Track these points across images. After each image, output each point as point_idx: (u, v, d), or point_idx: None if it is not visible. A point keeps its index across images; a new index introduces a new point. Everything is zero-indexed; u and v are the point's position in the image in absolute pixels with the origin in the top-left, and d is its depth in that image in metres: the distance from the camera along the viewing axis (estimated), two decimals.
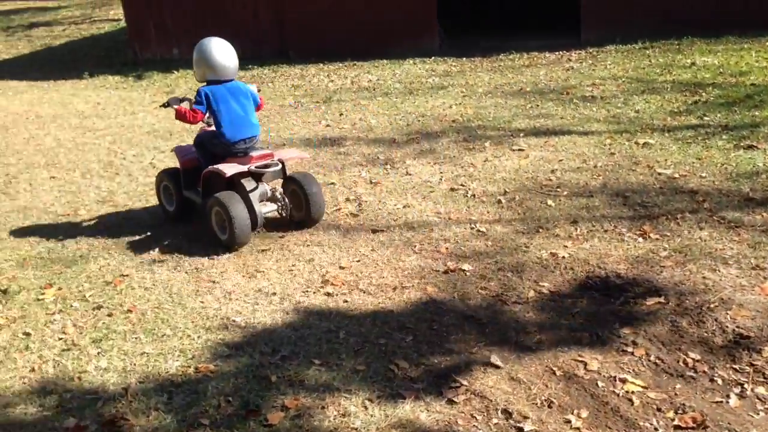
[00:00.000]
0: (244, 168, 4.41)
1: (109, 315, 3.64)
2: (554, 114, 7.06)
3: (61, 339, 3.42)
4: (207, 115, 4.54)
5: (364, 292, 3.72)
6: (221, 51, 4.55)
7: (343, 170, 5.85)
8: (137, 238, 4.70)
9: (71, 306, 3.76)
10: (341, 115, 7.77)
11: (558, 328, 3.24)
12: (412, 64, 10.32)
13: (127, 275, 4.11)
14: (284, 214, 4.62)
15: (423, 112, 7.57)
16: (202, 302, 3.72)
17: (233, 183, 4.49)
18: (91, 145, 7.24)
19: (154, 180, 5.12)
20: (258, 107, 4.72)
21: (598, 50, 9.98)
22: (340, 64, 10.60)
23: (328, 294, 3.73)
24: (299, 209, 4.65)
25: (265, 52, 11.56)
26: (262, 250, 4.33)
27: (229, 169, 4.37)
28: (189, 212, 4.94)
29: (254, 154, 4.48)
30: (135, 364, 3.15)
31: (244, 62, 11.11)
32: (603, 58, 9.55)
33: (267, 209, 4.63)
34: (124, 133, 7.68)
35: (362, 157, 6.19)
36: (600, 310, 3.36)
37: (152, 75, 11.04)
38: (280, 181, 4.79)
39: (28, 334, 3.49)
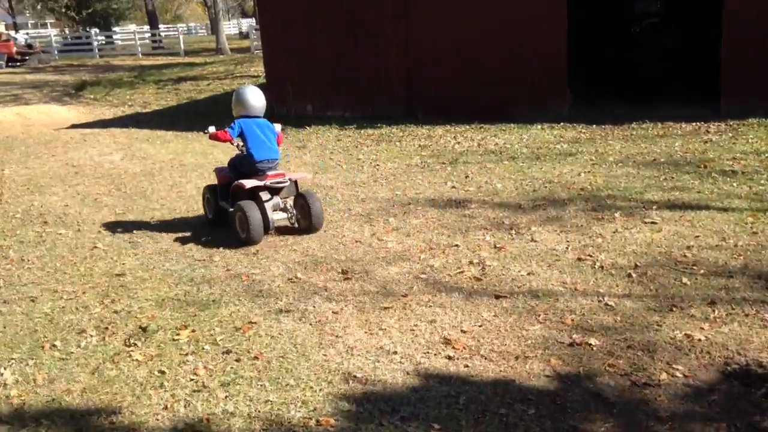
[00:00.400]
0: (261, 183, 5.84)
1: (237, 360, 3.78)
2: (690, 187, 6.80)
3: (192, 380, 3.58)
4: (238, 140, 5.97)
5: (485, 359, 3.68)
6: (253, 96, 6.08)
7: (467, 233, 5.86)
8: (266, 287, 4.87)
9: (203, 348, 3.93)
10: (467, 177, 7.82)
11: (692, 416, 3.06)
12: (539, 129, 10.28)
13: (255, 322, 4.26)
14: (293, 222, 6.06)
15: (550, 179, 7.49)
16: (324, 355, 3.79)
17: (253, 194, 5.90)
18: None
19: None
20: (278, 140, 6.14)
21: (739, 123, 9.58)
22: (467, 126, 10.72)
23: (449, 357, 3.71)
24: (305, 219, 6.03)
25: (394, 112, 11.87)
26: (385, 308, 4.37)
27: (249, 183, 5.81)
28: (223, 219, 6.23)
29: (270, 173, 5.94)
30: (260, 411, 3.23)
31: (373, 120, 11.54)
32: (744, 131, 9.15)
33: (278, 217, 6.01)
34: None
35: (487, 220, 6.18)
36: (739, 400, 3.15)
37: (286, 129, 11.51)
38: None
39: (163, 372, 3.67)
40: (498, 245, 5.48)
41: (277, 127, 6.20)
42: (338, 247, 5.68)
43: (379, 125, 11.22)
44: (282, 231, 6.13)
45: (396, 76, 11.92)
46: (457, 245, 5.55)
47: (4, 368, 3.81)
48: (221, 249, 5.77)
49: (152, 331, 4.19)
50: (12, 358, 3.93)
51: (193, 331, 4.17)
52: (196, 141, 11.21)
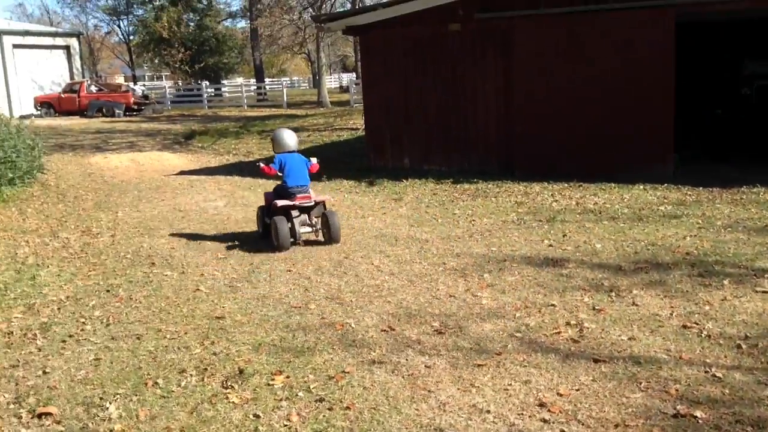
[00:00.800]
0: (291, 203, 7.54)
1: (330, 409, 3.80)
2: None
3: (285, 425, 3.62)
4: (279, 172, 7.71)
5: (582, 425, 3.55)
6: (288, 136, 7.97)
7: (564, 293, 5.73)
8: (360, 337, 4.90)
9: (297, 395, 3.97)
10: (564, 236, 7.68)
11: None
12: (642, 190, 10.02)
13: (348, 372, 4.28)
14: (318, 236, 7.79)
15: (653, 241, 7.25)
16: (416, 409, 3.76)
17: (286, 211, 7.53)
18: (324, 244, 7.76)
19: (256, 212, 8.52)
20: (311, 169, 7.90)
21: None
22: (565, 184, 10.57)
23: (545, 420, 3.61)
24: (327, 232, 7.68)
25: (491, 167, 11.87)
26: (478, 365, 4.31)
27: (281, 202, 7.52)
28: (268, 232, 7.66)
29: (300, 195, 7.63)
30: None
31: (470, 175, 11.57)
32: None
33: (304, 230, 7.69)
34: (353, 235, 8.16)
35: (585, 281, 6.03)
36: None
37: (383, 182, 11.72)
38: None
39: (257, 416, 3.73)
40: (597, 307, 5.33)
41: (314, 160, 8.04)
42: (432, 301, 5.67)
43: (475, 180, 11.23)
44: (375, 278, 6.19)
45: (494, 132, 11.95)
46: (553, 305, 5.43)
47: (110, 403, 3.97)
48: (317, 297, 5.86)
49: (249, 374, 4.28)
50: (117, 393, 4.10)
51: (288, 377, 4.23)
52: None
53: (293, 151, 7.87)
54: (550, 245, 7.32)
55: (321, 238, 7.79)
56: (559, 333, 4.84)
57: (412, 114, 12.67)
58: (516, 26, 11.48)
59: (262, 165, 8.07)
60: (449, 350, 4.59)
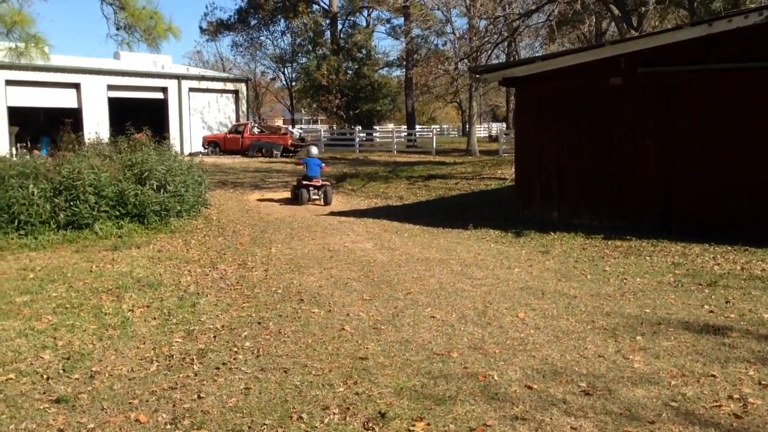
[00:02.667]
0: (307, 182, 16.15)
1: None
2: None
3: None
4: (303, 166, 16.73)
5: None
6: (312, 151, 17.17)
7: (726, 363, 5.33)
8: (502, 390, 4.79)
9: None
10: (727, 302, 7.17)
11: None
12: None
13: (489, 426, 4.19)
14: (320, 200, 16.11)
15: None
16: None
17: (306, 187, 16.13)
18: (469, 292, 7.72)
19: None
20: (322, 168, 16.72)
21: None
22: (729, 247, 9.90)
23: None
24: (325, 199, 16.05)
25: (645, 225, 11.36)
26: None
27: (303, 182, 16.21)
28: (296, 197, 16.11)
29: (314, 180, 16.15)
30: None
31: (622, 232, 11.11)
32: None
33: (315, 196, 16.23)
34: (498, 285, 8.06)
35: (750, 353, 5.58)
36: None
37: (530, 234, 11.52)
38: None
39: None
40: (763, 382, 4.91)
41: (323, 164, 16.76)
42: (579, 360, 5.46)
43: (628, 237, 10.77)
44: (520, 331, 6.05)
45: (651, 189, 11.46)
46: (713, 375, 5.06)
47: None
48: (460, 346, 5.81)
49: (390, 418, 4.30)
50: (264, 424, 4.24)
51: (428, 424, 4.21)
52: (442, 237, 11.58)
53: (313, 157, 16.83)
54: (711, 311, 6.86)
55: (321, 202, 16.25)
56: (719, 406, 4.50)
57: (563, 167, 12.43)
58: (681, 81, 11.05)
59: (299, 161, 17.79)
60: (597, 413, 4.39)
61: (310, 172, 16.17)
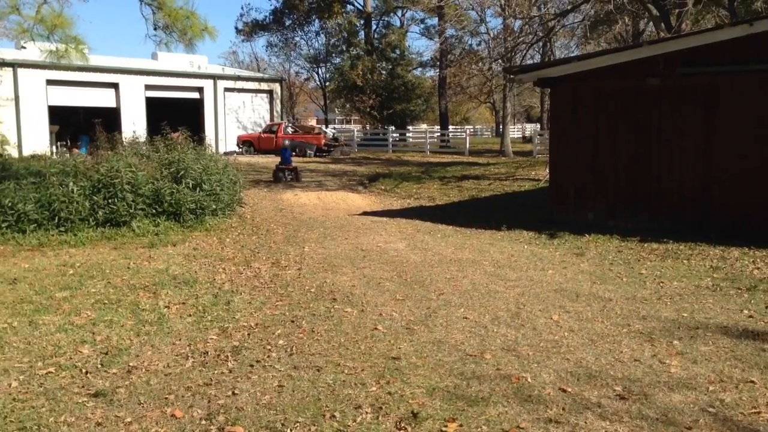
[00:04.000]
0: (282, 166, 21.96)
1: None
2: None
3: None
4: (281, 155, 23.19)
5: None
6: (287, 145, 25.51)
7: (765, 369, 5.23)
8: (536, 392, 4.76)
9: None
10: (767, 307, 7.03)
11: None
12: None
13: (522, 428, 4.17)
14: (291, 180, 21.38)
15: None
16: None
17: (282, 170, 21.74)
18: (502, 293, 7.68)
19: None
20: (293, 156, 24.00)
21: None
22: None
23: None
24: (297, 179, 21.64)
25: (683, 228, 11.19)
26: None
27: (280, 166, 22.02)
28: (276, 178, 21.32)
29: (287, 164, 22.09)
30: None
31: (658, 235, 10.95)
32: None
33: (288, 177, 21.53)
34: (532, 287, 8.00)
35: None
36: None
37: (564, 235, 11.42)
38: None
39: None
40: None
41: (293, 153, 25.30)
42: (614, 363, 5.40)
43: (665, 240, 10.61)
44: (553, 333, 6.00)
45: (690, 191, 11.28)
46: (752, 381, 4.97)
47: (291, 430, 4.15)
48: (493, 347, 5.79)
49: (422, 418, 4.29)
50: (297, 422, 4.27)
51: (461, 425, 4.20)
52: (475, 237, 11.53)
53: (287, 148, 23.92)
54: (750, 316, 6.73)
55: (293, 181, 21.01)
56: (758, 413, 4.42)
57: (599, 168, 12.30)
58: (721, 82, 10.86)
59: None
60: (632, 418, 4.34)
61: (283, 158, 22.44)
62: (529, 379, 5.03)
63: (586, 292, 7.74)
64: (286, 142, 26.68)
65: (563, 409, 4.49)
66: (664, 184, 11.56)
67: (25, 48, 25.85)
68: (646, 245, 10.45)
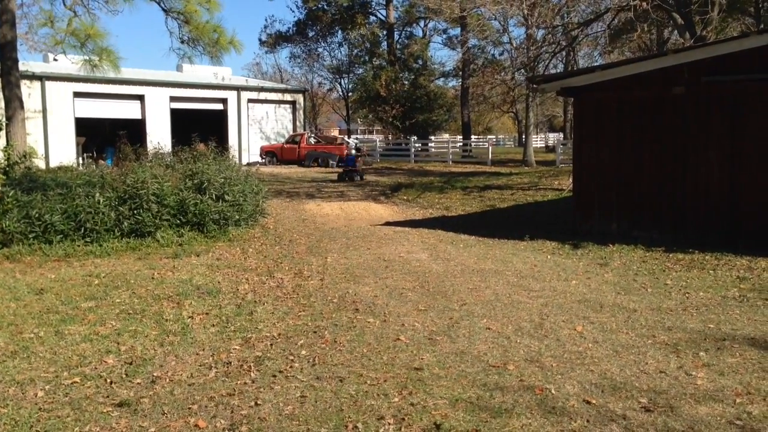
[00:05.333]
0: (349, 168, 25.74)
1: None
2: None
3: None
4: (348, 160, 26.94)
5: None
6: (351, 147, 28.70)
7: None
8: (560, 404, 4.72)
9: None
10: None
11: None
12: None
13: None
14: (359, 179, 25.47)
15: None
16: None
17: (349, 171, 25.84)
18: (525, 304, 7.63)
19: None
20: (357, 160, 26.54)
21: None
22: None
23: None
24: (361, 177, 25.81)
25: (709, 238, 11.04)
26: None
27: (345, 169, 26.34)
28: (350, 179, 25.00)
29: (354, 167, 25.60)
30: None
31: (684, 245, 10.82)
32: None
33: (356, 177, 25.19)
34: (555, 298, 7.94)
35: None
36: None
37: (588, 245, 11.33)
38: None
39: None
40: None
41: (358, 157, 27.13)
42: (639, 375, 5.34)
43: (690, 251, 10.49)
44: (577, 344, 5.95)
45: (716, 201, 11.14)
46: None
47: None
48: (516, 358, 5.75)
49: (445, 429, 4.28)
50: None
51: None
52: (497, 248, 11.49)
53: (351, 155, 26.52)
54: None
55: (360, 180, 24.91)
56: None
57: (624, 178, 12.20)
58: (747, 91, 10.73)
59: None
60: (658, 430, 4.29)
61: (348, 162, 26.43)
62: (553, 391, 4.99)
63: (611, 303, 7.67)
64: (353, 149, 28.07)
65: (587, 421, 4.44)
66: (689, 194, 11.43)
67: (56, 60, 26.32)
68: (671, 255, 10.34)
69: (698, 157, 11.31)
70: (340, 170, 27.09)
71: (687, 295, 8.04)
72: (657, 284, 8.62)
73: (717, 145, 11.11)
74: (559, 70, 34.06)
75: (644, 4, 19.48)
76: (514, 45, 35.97)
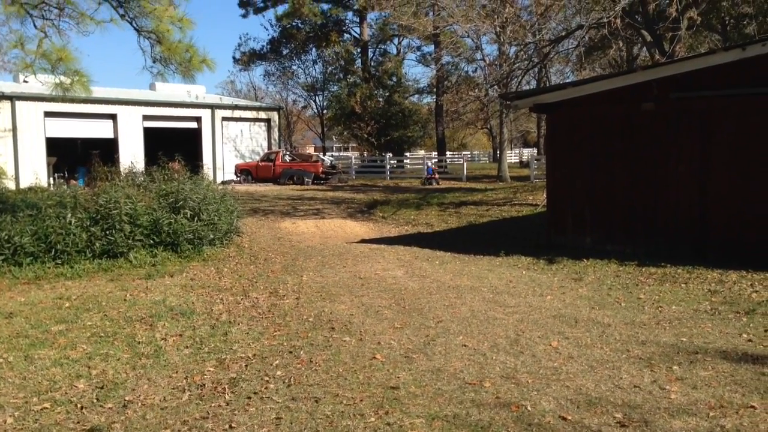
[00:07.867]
0: (429, 176, 28.31)
1: None
2: None
3: None
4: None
5: None
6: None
7: (766, 394, 5.20)
8: (536, 421, 4.72)
9: None
10: (766, 331, 7.00)
11: None
12: None
13: None
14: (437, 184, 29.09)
15: None
16: None
17: (429, 179, 28.79)
18: (501, 320, 7.65)
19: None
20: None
21: None
22: (767, 275, 9.69)
23: None
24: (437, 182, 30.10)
25: (680, 251, 11.17)
26: None
27: (426, 177, 28.38)
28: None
29: (432, 175, 26.78)
30: None
31: (656, 259, 10.94)
32: None
33: (435, 183, 27.74)
34: (531, 313, 7.97)
35: None
36: None
37: (562, 260, 11.41)
38: None
39: None
40: None
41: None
42: (614, 390, 5.36)
43: (662, 264, 10.60)
44: (552, 360, 5.97)
45: (686, 215, 11.29)
46: (753, 407, 4.94)
47: None
48: (492, 375, 5.75)
49: None
50: None
51: None
52: (473, 264, 11.52)
53: (431, 168, 31.37)
54: (750, 340, 6.70)
55: (437, 185, 29.12)
56: None
57: (596, 193, 12.33)
58: (715, 106, 10.92)
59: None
60: None
61: (428, 171, 31.13)
62: (529, 407, 5.00)
63: (585, 318, 7.71)
64: (429, 163, 32.74)
65: None
66: (661, 208, 11.58)
67: (27, 82, 26.00)
68: (644, 269, 10.44)
69: (668, 171, 11.46)
70: (315, 188, 27.32)
71: (660, 308, 8.11)
72: (630, 298, 8.69)
73: (687, 159, 11.28)
74: (531, 87, 34.41)
75: (617, 21, 19.78)
76: (487, 62, 36.30)
